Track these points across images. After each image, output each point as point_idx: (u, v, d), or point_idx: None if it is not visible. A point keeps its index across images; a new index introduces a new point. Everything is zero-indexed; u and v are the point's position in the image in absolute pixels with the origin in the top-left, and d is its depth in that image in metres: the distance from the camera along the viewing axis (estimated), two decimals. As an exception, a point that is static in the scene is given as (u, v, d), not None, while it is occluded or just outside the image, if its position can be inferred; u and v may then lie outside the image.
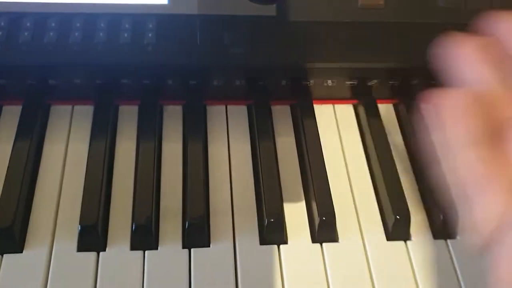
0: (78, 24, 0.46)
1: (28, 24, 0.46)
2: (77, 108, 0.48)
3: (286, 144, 0.48)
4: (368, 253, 0.41)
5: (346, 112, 0.51)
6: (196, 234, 0.40)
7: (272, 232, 0.41)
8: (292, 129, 0.49)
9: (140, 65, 0.46)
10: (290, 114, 0.50)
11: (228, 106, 0.50)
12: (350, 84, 0.50)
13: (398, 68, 0.49)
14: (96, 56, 0.45)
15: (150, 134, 0.45)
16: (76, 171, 0.44)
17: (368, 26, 0.49)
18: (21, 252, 0.39)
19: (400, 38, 0.49)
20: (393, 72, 0.49)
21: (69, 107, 0.48)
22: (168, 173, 0.44)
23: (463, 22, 0.38)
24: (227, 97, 0.50)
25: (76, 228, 0.40)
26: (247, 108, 0.50)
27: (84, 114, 0.48)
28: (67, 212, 0.41)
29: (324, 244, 0.41)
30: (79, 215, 0.40)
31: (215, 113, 0.49)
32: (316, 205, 0.42)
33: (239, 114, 0.49)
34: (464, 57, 0.29)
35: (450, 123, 0.26)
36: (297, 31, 0.48)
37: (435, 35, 0.34)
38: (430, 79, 0.37)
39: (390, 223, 0.42)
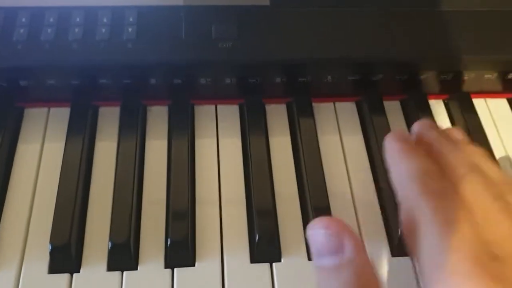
0: (51, 19, 0.42)
1: (-3, 21, 0.42)
2: (53, 110, 0.44)
3: (280, 144, 0.43)
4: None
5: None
6: (180, 252, 0.37)
7: (264, 248, 0.37)
8: (288, 128, 0.45)
9: (119, 64, 0.42)
10: (286, 112, 0.46)
11: (218, 106, 0.45)
12: (353, 79, 0.45)
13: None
14: (71, 55, 0.41)
15: (131, 139, 0.41)
16: (49, 182, 0.40)
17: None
18: (-13, 275, 0.36)
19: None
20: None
21: (44, 109, 0.44)
22: (150, 185, 0.40)
23: None
24: (217, 96, 0.45)
25: (47, 247, 0.36)
26: (239, 108, 0.45)
27: (61, 117, 0.44)
28: (37, 230, 0.38)
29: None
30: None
31: (204, 114, 0.45)
32: (313, 218, 0.38)
33: (230, 114, 0.45)
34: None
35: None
36: (293, 22, 0.44)
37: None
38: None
39: (395, 237, 0.38)
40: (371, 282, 0.28)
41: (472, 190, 0.32)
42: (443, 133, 0.38)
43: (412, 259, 0.32)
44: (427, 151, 0.36)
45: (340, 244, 0.28)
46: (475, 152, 0.37)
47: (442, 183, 0.32)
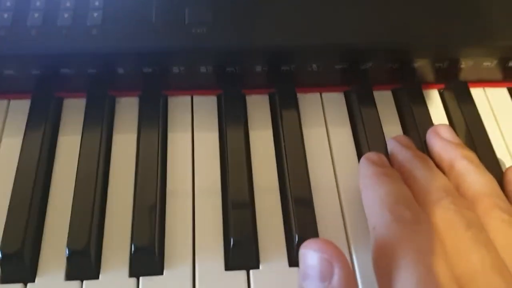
0: (8, 3, 0.39)
1: None
2: (13, 103, 0.41)
3: (261, 139, 0.40)
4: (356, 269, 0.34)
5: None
6: (145, 259, 0.33)
7: (240, 254, 0.34)
8: (270, 121, 0.41)
9: (83, 52, 0.38)
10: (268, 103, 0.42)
11: (194, 97, 0.42)
12: (340, 67, 0.41)
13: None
14: (30, 43, 0.38)
15: (96, 134, 0.38)
16: (4, 181, 0.36)
17: None
18: None
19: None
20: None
21: (4, 102, 0.41)
22: (116, 184, 0.37)
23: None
24: (192, 86, 0.42)
25: (-2, 255, 0.32)
26: (217, 99, 0.42)
27: (22, 109, 0.40)
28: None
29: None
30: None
31: (179, 105, 0.41)
32: (295, 220, 0.34)
33: (207, 105, 0.41)
34: None
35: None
36: (275, 5, 0.40)
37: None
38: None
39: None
40: None
41: (444, 219, 0.31)
42: (417, 153, 0.36)
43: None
44: (401, 172, 0.35)
45: (330, 272, 0.27)
46: (464, 157, 0.35)
47: (414, 211, 0.31)
